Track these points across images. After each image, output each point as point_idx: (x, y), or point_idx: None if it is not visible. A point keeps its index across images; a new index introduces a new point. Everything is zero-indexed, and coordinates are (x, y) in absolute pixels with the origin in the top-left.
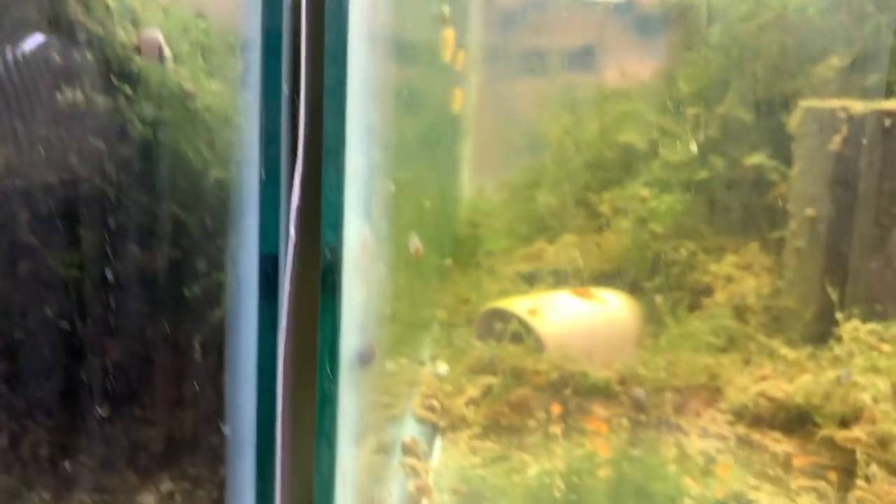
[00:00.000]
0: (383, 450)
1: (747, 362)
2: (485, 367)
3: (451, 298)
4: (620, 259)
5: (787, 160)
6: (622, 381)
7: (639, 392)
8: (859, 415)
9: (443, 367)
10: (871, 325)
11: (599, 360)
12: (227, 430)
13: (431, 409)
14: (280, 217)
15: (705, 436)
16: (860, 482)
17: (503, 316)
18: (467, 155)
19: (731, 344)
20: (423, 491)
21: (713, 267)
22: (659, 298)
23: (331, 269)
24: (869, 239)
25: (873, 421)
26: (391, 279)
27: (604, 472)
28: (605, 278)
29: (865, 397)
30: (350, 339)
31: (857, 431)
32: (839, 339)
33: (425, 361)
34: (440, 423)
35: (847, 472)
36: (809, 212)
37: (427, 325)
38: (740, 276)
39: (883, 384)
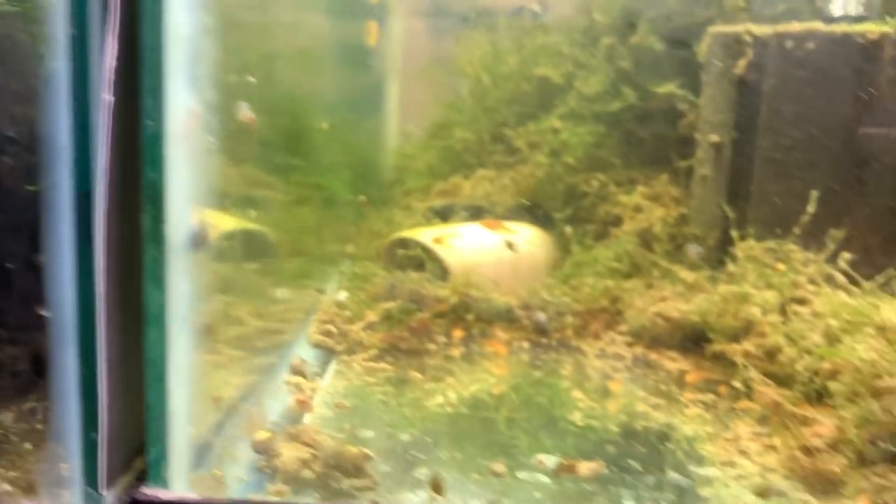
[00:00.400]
0: (265, 370)
1: (649, 287)
2: (386, 294)
3: (363, 234)
4: (534, 192)
5: (697, 89)
6: (525, 307)
7: (541, 316)
8: (750, 329)
9: (342, 294)
10: (767, 244)
11: (506, 288)
12: (47, 312)
13: (328, 334)
14: (90, 88)
15: (603, 356)
16: (738, 387)
17: (407, 244)
18: (395, 106)
19: (635, 270)
20: (304, 406)
21: (623, 198)
22: (568, 229)
23: (153, 141)
24: (770, 162)
25: (762, 335)
26: (224, 154)
27: (499, 390)
28: (518, 211)
29: (756, 311)
30: (178, 217)
31: (747, 345)
32: (736, 259)
33: (324, 290)
34: (336, 348)
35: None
36: (714, 138)
37: (334, 260)
38: (649, 206)
39: (773, 297)
